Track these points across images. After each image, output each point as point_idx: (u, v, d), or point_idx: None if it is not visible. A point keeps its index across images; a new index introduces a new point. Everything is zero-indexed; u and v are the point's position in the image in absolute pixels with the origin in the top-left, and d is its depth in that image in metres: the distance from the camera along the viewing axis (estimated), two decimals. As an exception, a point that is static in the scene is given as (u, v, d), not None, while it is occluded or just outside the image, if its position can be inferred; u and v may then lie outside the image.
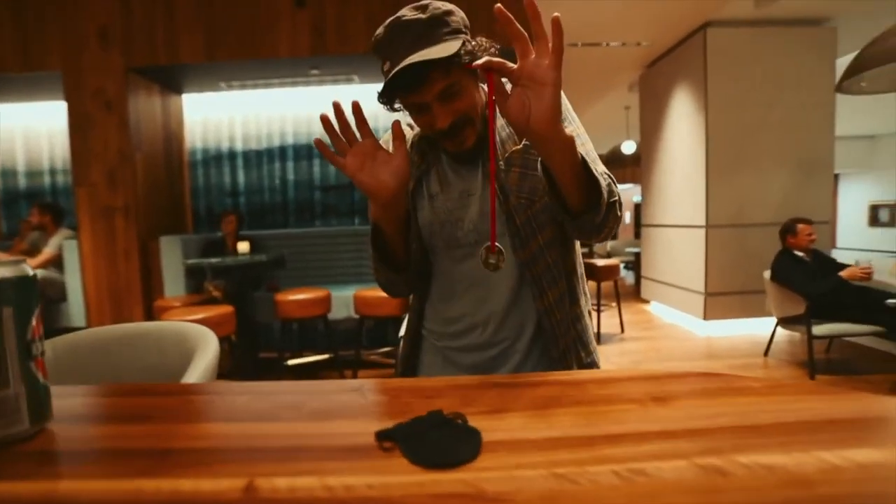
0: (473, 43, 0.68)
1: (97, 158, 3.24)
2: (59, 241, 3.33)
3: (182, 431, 0.44)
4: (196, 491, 0.33)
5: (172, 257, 3.24)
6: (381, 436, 0.40)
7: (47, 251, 3.29)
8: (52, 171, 3.96)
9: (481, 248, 0.67)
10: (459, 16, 0.70)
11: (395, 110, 0.74)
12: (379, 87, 0.69)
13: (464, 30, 0.69)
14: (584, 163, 0.61)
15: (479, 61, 0.55)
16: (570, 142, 0.58)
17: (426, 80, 0.66)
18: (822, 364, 3.24)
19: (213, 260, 2.86)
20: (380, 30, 0.68)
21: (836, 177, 9.58)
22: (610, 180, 0.68)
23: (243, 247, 3.10)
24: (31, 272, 0.44)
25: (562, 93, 0.72)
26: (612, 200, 0.65)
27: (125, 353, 1.19)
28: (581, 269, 0.83)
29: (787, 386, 0.49)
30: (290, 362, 3.21)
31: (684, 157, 4.44)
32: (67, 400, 0.52)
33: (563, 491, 0.32)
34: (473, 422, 0.42)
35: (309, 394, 0.51)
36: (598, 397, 0.48)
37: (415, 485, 0.33)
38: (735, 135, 4.04)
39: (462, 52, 0.65)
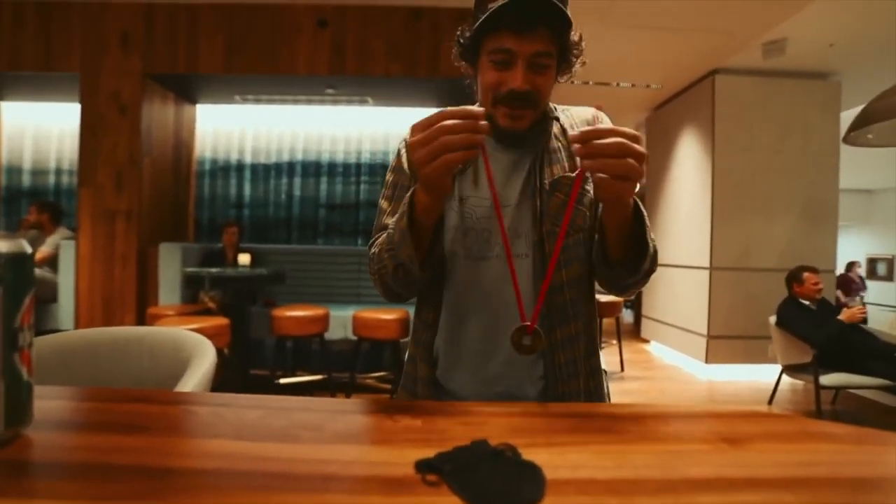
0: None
1: (105, 161, 3.22)
2: (57, 241, 3.27)
3: (183, 447, 0.37)
4: (203, 523, 0.27)
5: (171, 265, 3.17)
6: (423, 466, 0.34)
7: (43, 249, 3.22)
8: (58, 172, 3.93)
9: (513, 329, 0.60)
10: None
11: (466, 57, 0.73)
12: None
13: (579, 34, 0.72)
14: (641, 225, 0.61)
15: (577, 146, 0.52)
16: (632, 206, 0.59)
17: (535, 28, 0.63)
18: (829, 415, 3.14)
19: (213, 270, 2.79)
20: None
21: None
22: (654, 249, 0.67)
23: (244, 259, 3.04)
24: (28, 250, 0.39)
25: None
26: (650, 267, 0.65)
27: (116, 357, 1.12)
28: (597, 325, 0.78)
29: (874, 434, 0.43)
30: (282, 381, 3.09)
31: (690, 198, 4.45)
32: (50, 402, 0.45)
33: (659, 549, 0.26)
34: (527, 455, 0.36)
35: (330, 412, 0.45)
36: (663, 434, 0.42)
37: (474, 531, 0.27)
38: (741, 179, 4.07)
39: (575, 35, 0.67)
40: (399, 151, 0.82)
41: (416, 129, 0.54)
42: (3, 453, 0.35)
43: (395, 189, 0.79)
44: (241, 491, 0.31)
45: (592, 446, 0.39)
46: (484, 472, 0.33)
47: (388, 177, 0.81)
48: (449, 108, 0.52)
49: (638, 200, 0.61)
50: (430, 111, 0.53)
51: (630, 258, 0.62)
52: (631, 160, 0.50)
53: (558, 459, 0.36)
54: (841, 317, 2.80)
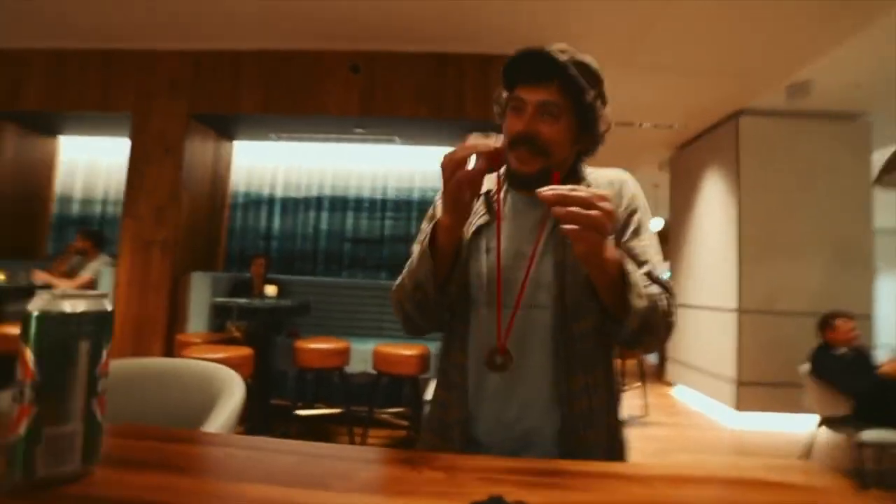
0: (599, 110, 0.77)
1: (148, 194, 3.43)
2: (98, 267, 3.45)
3: (228, 490, 0.41)
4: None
5: (201, 293, 3.29)
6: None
7: (84, 275, 3.40)
8: (105, 202, 4.19)
9: (487, 349, 0.69)
10: (598, 88, 0.78)
11: (501, 110, 0.80)
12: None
13: (595, 94, 0.76)
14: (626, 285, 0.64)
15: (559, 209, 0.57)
16: (613, 264, 0.63)
17: (544, 81, 0.72)
18: (872, 476, 2.95)
19: (241, 300, 2.89)
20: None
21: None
22: (661, 300, 0.70)
23: (271, 290, 3.14)
24: (109, 308, 0.45)
25: (644, 204, 0.81)
26: (651, 323, 0.68)
27: (149, 388, 1.17)
28: (617, 380, 0.81)
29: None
30: (301, 412, 3.12)
31: (715, 238, 4.40)
32: (107, 438, 0.50)
33: None
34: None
35: (359, 461, 0.48)
36: (674, 498, 0.44)
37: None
38: (768, 219, 4.02)
39: (587, 93, 0.73)
40: (435, 202, 0.88)
41: (449, 157, 0.64)
42: (78, 488, 0.40)
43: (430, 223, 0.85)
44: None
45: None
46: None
47: (424, 224, 0.87)
48: (481, 145, 0.62)
49: (626, 261, 0.65)
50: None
51: (623, 312, 0.65)
52: (595, 212, 0.55)
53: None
54: (883, 369, 2.66)
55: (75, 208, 4.17)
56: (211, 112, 3.51)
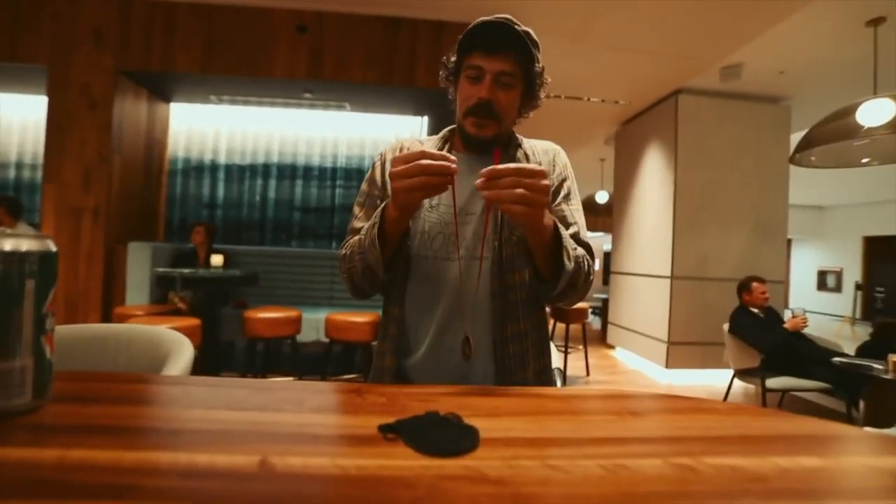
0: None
1: (73, 157, 3.16)
2: (18, 238, 3.18)
3: (188, 415, 0.45)
4: (212, 464, 0.35)
5: (140, 265, 3.13)
6: (384, 428, 0.43)
7: None
8: (19, 166, 3.81)
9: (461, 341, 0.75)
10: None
11: (451, 73, 0.85)
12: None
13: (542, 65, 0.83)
14: (558, 247, 0.70)
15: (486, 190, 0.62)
16: (547, 229, 0.68)
17: (502, 51, 0.77)
18: (774, 417, 3.36)
19: (186, 270, 2.79)
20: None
21: (789, 241, 10.28)
22: (584, 262, 0.77)
23: (217, 260, 3.04)
24: (54, 248, 0.46)
25: (572, 173, 0.88)
26: (574, 282, 0.74)
27: (94, 353, 1.14)
28: (547, 327, 0.89)
29: (748, 409, 0.54)
30: (252, 383, 3.09)
31: (653, 210, 4.69)
32: (57, 383, 0.51)
33: (555, 478, 0.35)
34: (468, 422, 0.45)
35: (309, 392, 0.53)
36: (582, 409, 0.52)
37: (422, 468, 0.36)
38: (700, 194, 4.33)
39: (538, 62, 0.79)
40: (374, 164, 0.92)
41: (396, 161, 0.64)
42: (32, 419, 0.42)
43: (367, 198, 0.90)
44: (240, 444, 0.39)
45: (524, 416, 0.48)
46: (431, 431, 0.42)
47: (364, 186, 0.92)
48: (428, 150, 0.63)
49: (559, 225, 0.71)
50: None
51: (554, 276, 0.72)
52: (523, 190, 0.60)
53: (494, 424, 0.45)
54: (786, 325, 3.04)
55: (-15, 173, 3.78)
56: (143, 69, 3.24)
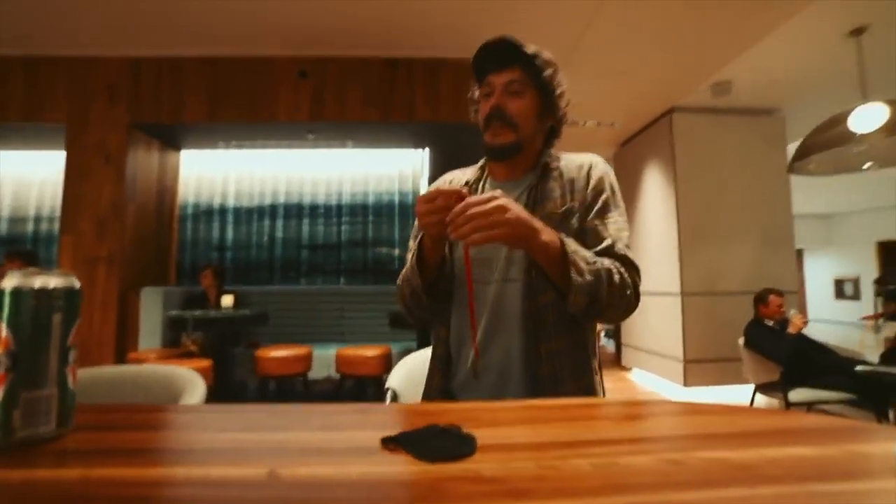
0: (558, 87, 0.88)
1: (89, 208, 3.28)
2: (35, 290, 3.26)
3: (201, 437, 0.47)
4: (224, 476, 0.37)
5: (152, 309, 3.19)
6: (386, 441, 0.45)
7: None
8: (37, 219, 3.96)
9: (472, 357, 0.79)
10: (554, 68, 0.88)
11: (475, 101, 0.91)
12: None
13: (552, 73, 0.88)
14: (566, 262, 0.71)
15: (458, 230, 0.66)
16: (552, 246, 0.70)
17: (508, 65, 0.83)
18: (801, 432, 3.25)
19: (197, 312, 2.83)
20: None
21: (801, 251, 10.15)
22: (609, 274, 0.75)
23: (227, 301, 3.09)
24: (78, 285, 0.50)
25: (612, 184, 0.88)
26: (597, 296, 0.73)
27: (113, 395, 1.17)
28: (586, 348, 0.85)
29: (739, 409, 0.55)
30: (265, 422, 3.07)
31: (658, 228, 4.70)
32: (78, 415, 0.54)
33: (548, 476, 0.37)
34: (468, 432, 0.47)
35: (317, 413, 0.55)
36: (580, 415, 0.53)
37: (422, 472, 0.38)
38: (703, 208, 4.35)
39: (545, 70, 0.84)
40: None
41: (421, 199, 0.71)
42: (57, 445, 0.45)
43: (418, 231, 0.93)
44: (250, 459, 0.41)
45: (521, 425, 0.50)
46: (431, 441, 0.44)
47: (411, 242, 0.96)
48: (444, 188, 0.69)
49: (567, 241, 0.72)
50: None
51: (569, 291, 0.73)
52: (478, 220, 0.64)
53: (492, 433, 0.47)
54: (790, 330, 2.98)
55: (3, 227, 3.92)
56: (154, 121, 3.40)
